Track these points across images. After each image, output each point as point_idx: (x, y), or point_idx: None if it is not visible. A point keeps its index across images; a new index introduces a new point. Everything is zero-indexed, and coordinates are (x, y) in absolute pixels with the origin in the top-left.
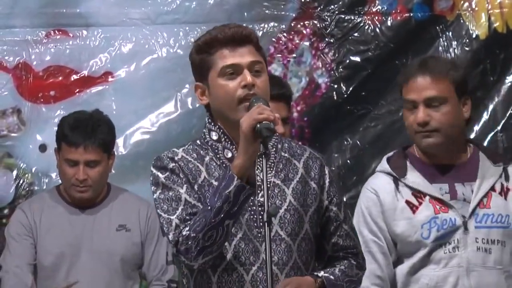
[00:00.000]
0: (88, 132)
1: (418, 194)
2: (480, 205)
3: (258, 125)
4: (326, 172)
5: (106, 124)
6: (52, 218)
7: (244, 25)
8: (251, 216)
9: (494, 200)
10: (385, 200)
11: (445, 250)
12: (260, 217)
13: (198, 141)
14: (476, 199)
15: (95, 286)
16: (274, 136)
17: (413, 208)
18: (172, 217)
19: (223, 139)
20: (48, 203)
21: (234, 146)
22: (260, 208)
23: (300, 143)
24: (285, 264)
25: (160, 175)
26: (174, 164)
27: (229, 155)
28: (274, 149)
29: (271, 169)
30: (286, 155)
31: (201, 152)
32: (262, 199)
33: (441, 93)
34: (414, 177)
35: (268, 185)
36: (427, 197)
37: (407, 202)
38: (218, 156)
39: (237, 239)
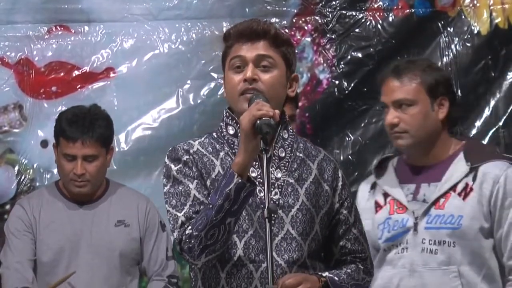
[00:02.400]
0: (86, 127)
1: (385, 194)
2: (435, 205)
3: (258, 122)
4: (340, 175)
5: (104, 118)
6: (51, 213)
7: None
8: (263, 214)
9: (450, 201)
10: (360, 200)
11: (396, 251)
12: (274, 215)
13: (214, 134)
14: (432, 199)
15: (94, 281)
16: (291, 136)
17: (377, 208)
18: (179, 214)
19: (239, 134)
20: (47, 198)
21: None
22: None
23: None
24: (295, 263)
25: (172, 167)
26: (188, 157)
27: None
28: (289, 148)
29: (285, 168)
30: (301, 155)
31: (217, 146)
32: (275, 197)
33: (408, 95)
34: (388, 178)
35: (282, 184)
36: (389, 198)
37: (376, 202)
38: (233, 151)
39: (248, 235)
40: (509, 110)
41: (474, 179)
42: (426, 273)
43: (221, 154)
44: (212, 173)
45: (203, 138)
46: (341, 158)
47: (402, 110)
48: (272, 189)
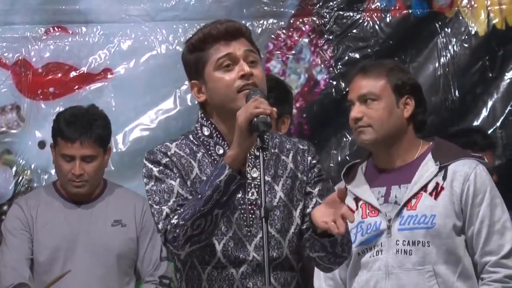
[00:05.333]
0: (84, 127)
1: (357, 198)
2: (407, 206)
3: (255, 119)
4: (308, 160)
5: (102, 119)
6: (48, 213)
7: (243, 21)
8: (241, 215)
9: (422, 201)
10: None
11: (371, 254)
12: (251, 215)
13: (190, 136)
14: (403, 201)
15: (91, 281)
16: (266, 133)
17: None
18: (163, 207)
19: (214, 135)
20: (44, 198)
21: (225, 143)
22: (250, 207)
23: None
24: (274, 260)
25: (153, 168)
26: (167, 159)
27: (221, 151)
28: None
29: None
30: (276, 151)
31: (194, 148)
32: (252, 197)
33: (373, 90)
34: (358, 182)
35: (258, 183)
36: (361, 202)
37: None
38: (209, 152)
39: (227, 238)
40: (506, 111)
41: (444, 178)
42: (402, 274)
43: (198, 155)
44: (191, 175)
45: (179, 140)
46: (339, 158)
47: (366, 105)
48: (249, 189)
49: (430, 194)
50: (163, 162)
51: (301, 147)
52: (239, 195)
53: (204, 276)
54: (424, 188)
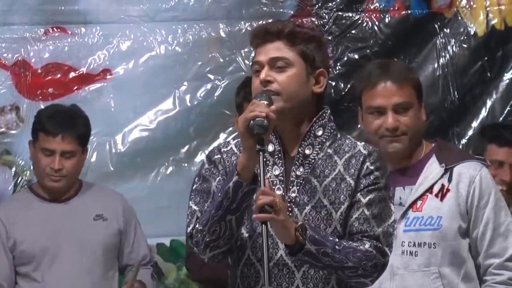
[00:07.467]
0: (66, 123)
1: None
2: (412, 208)
3: (251, 122)
4: (365, 166)
5: (85, 118)
6: (29, 216)
7: (242, 22)
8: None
9: (427, 203)
10: None
11: None
12: (289, 214)
13: None
14: (408, 202)
15: (79, 274)
16: (326, 133)
17: None
18: (197, 209)
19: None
20: (22, 202)
21: (278, 141)
22: (288, 204)
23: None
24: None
25: (205, 166)
26: (218, 156)
27: (270, 148)
28: (319, 145)
29: (309, 165)
30: (330, 151)
31: None
32: (293, 195)
33: (407, 99)
34: None
35: (301, 181)
36: None
37: None
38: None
39: (256, 234)
40: (505, 111)
41: (449, 180)
42: (407, 275)
43: None
44: None
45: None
46: None
47: (400, 113)
48: (291, 187)
49: (436, 195)
50: (213, 159)
51: (362, 151)
52: (279, 192)
53: (238, 272)
54: (429, 189)
